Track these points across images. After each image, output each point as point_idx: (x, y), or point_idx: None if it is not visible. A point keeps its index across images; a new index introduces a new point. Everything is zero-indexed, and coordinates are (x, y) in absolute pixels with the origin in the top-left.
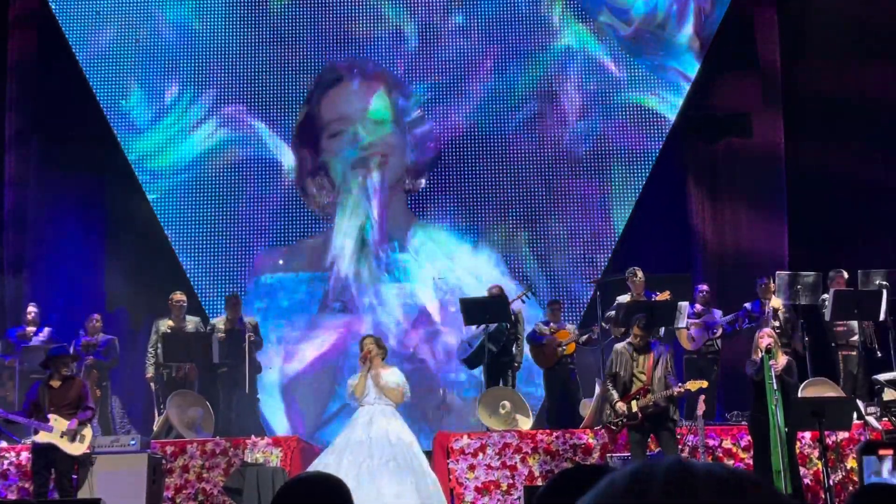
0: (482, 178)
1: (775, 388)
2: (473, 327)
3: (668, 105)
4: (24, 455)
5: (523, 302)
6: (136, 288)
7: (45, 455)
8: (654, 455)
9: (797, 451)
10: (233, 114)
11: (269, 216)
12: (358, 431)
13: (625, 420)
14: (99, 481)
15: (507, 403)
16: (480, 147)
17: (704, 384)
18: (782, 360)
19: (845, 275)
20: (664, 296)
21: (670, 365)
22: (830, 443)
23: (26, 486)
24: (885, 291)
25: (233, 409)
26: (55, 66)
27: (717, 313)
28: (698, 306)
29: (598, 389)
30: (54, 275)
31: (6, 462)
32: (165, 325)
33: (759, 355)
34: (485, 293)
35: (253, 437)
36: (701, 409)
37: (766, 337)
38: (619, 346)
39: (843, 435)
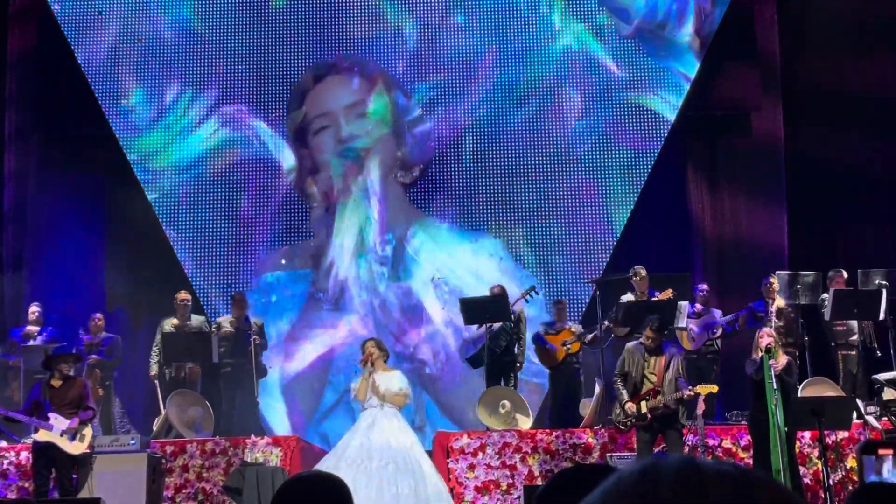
0: (482, 177)
1: (775, 387)
2: (475, 327)
3: (668, 105)
4: (24, 455)
5: (527, 301)
6: (136, 288)
7: (46, 454)
8: (660, 453)
9: (797, 450)
10: (233, 113)
11: (270, 216)
12: (359, 435)
13: (633, 420)
14: (99, 481)
15: (506, 403)
16: (480, 146)
17: (714, 389)
18: (783, 359)
19: (845, 274)
20: (666, 294)
21: (682, 367)
22: (830, 442)
23: (26, 485)
24: (884, 291)
25: (234, 409)
26: (56, 63)
27: (717, 313)
28: (698, 306)
29: (598, 389)
30: (54, 274)
31: (6, 461)
32: (170, 324)
33: (759, 355)
34: (486, 292)
35: (253, 436)
36: (701, 408)
37: (766, 336)
38: (630, 345)
39: (842, 434)
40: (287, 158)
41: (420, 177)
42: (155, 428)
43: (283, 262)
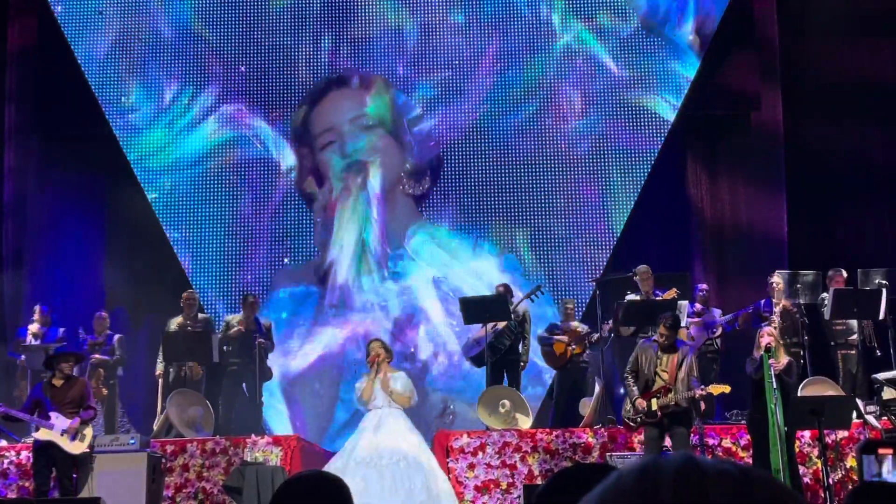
0: (482, 177)
1: (774, 387)
2: (478, 325)
3: (668, 105)
4: (25, 454)
5: (532, 301)
6: (136, 287)
7: (46, 453)
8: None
9: (796, 449)
10: (233, 113)
11: (269, 216)
12: (367, 435)
13: (643, 417)
14: (99, 480)
15: (506, 402)
16: (480, 147)
17: (727, 389)
18: (783, 359)
19: (844, 273)
20: (671, 294)
21: (694, 366)
22: (830, 442)
23: (26, 484)
24: (884, 290)
25: (234, 409)
26: (56, 62)
27: (717, 312)
28: (698, 305)
29: (598, 388)
30: (53, 273)
31: (6, 461)
32: (175, 323)
33: (760, 354)
34: (491, 292)
35: (253, 435)
36: (700, 408)
37: (766, 336)
38: (643, 342)
39: (842, 434)
40: (287, 158)
41: (430, 188)
42: (155, 427)
43: (286, 261)
